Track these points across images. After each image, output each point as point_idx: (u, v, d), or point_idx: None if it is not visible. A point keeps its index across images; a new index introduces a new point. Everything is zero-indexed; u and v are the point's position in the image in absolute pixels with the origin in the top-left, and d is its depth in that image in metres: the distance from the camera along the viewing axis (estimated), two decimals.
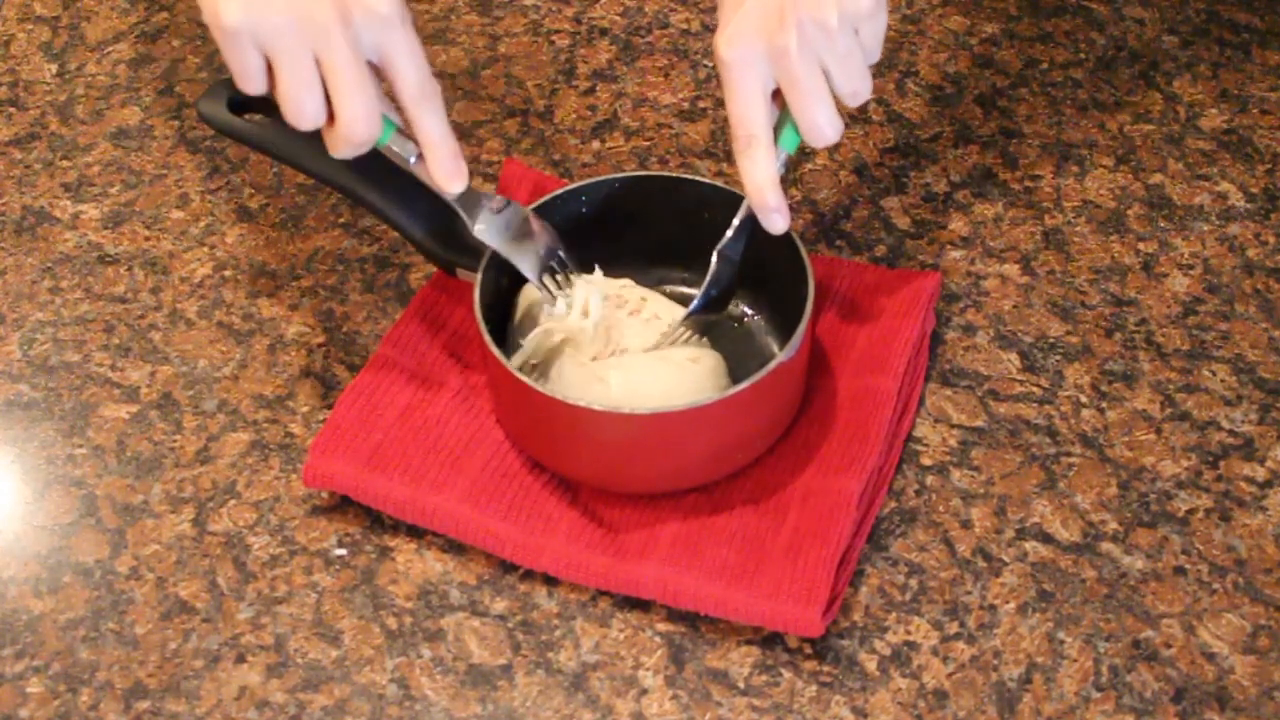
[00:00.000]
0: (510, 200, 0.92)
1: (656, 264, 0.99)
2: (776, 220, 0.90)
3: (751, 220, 0.91)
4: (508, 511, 0.90)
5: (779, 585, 0.86)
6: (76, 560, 0.91)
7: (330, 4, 0.83)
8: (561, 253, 0.93)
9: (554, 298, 0.93)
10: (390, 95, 0.87)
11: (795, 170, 1.09)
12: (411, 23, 0.86)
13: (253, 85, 0.84)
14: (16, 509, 0.94)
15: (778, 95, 0.88)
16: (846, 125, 1.12)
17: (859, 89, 0.87)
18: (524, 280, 0.94)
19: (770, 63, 0.86)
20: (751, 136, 0.88)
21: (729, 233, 0.92)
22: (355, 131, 0.85)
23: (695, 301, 0.93)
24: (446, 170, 0.88)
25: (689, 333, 0.93)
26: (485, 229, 0.91)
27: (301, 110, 0.84)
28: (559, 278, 0.93)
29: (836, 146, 1.11)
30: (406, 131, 0.88)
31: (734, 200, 0.92)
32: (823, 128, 0.87)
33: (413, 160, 0.89)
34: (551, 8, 1.22)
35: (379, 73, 0.86)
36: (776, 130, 0.89)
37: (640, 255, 0.98)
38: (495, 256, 0.92)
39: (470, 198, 0.91)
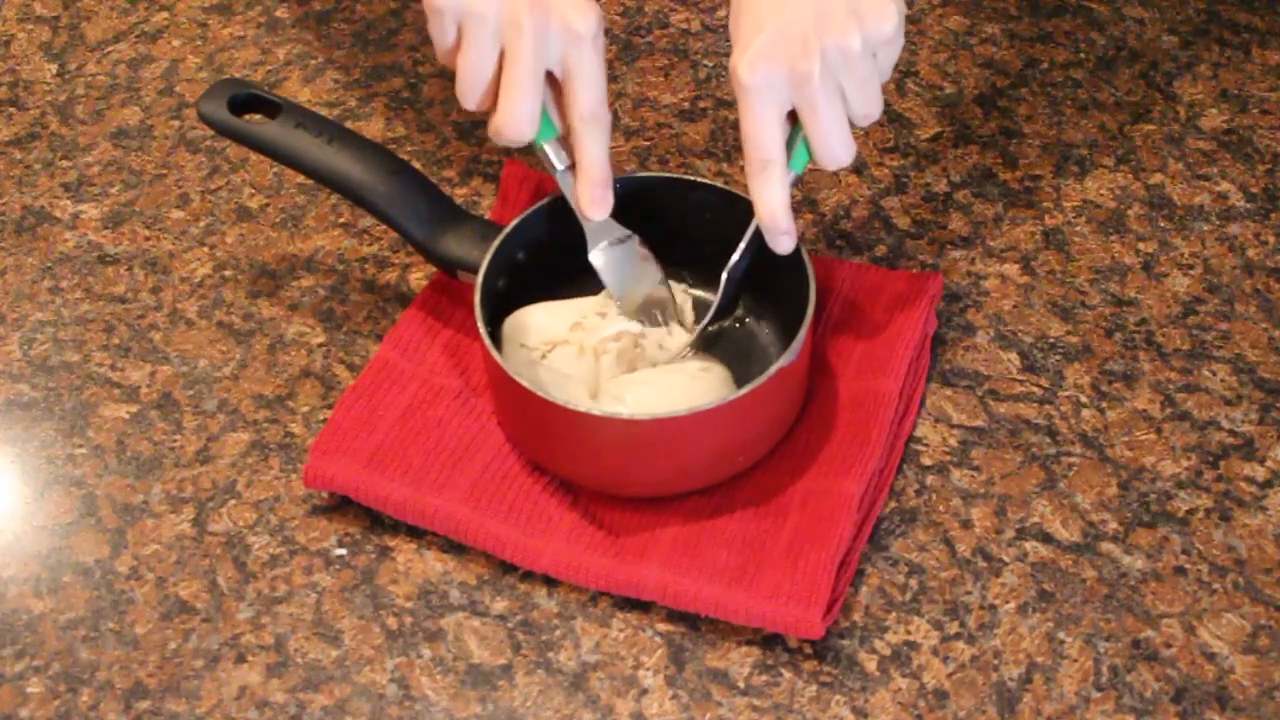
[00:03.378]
0: (633, 234, 0.94)
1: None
2: (785, 242, 0.90)
3: (758, 239, 0.91)
4: (508, 513, 0.90)
5: (779, 587, 0.86)
6: (76, 560, 0.91)
7: (536, 8, 0.87)
8: (671, 307, 0.95)
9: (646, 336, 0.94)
10: (563, 110, 0.91)
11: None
12: (603, 48, 0.90)
13: (445, 59, 0.91)
14: (16, 509, 0.94)
15: (790, 116, 0.88)
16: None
17: (872, 111, 0.88)
18: (522, 282, 0.94)
19: (790, 88, 0.86)
20: (767, 160, 0.88)
21: (737, 253, 0.92)
22: (506, 129, 0.89)
23: (705, 320, 0.93)
24: (592, 196, 0.92)
25: (693, 351, 0.94)
26: (601, 258, 0.93)
27: (468, 93, 0.90)
28: (663, 325, 0.95)
29: None
30: (565, 143, 0.91)
31: (734, 201, 0.92)
32: (837, 152, 0.87)
33: (560, 169, 0.92)
34: None
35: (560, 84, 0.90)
36: (787, 149, 0.89)
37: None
38: (495, 259, 0.92)
39: (603, 224, 0.93)
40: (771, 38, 0.85)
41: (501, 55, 0.89)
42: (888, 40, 0.86)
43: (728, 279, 0.93)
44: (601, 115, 0.90)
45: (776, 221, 0.89)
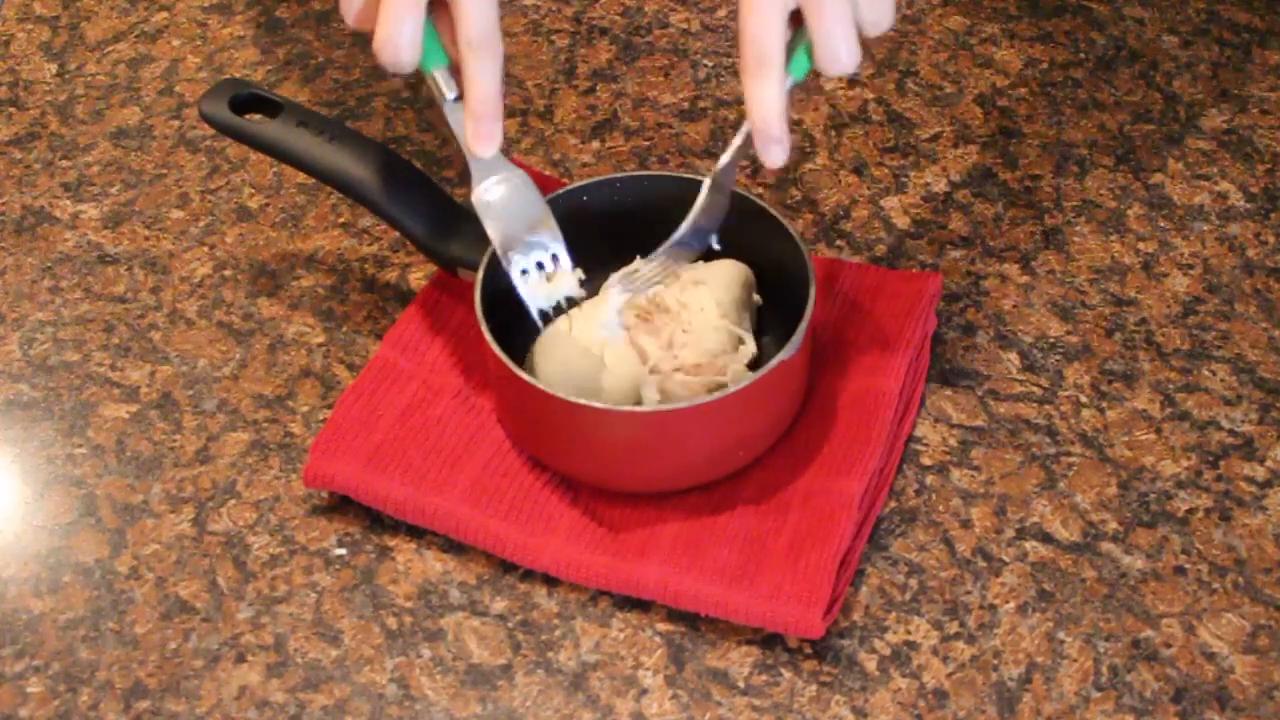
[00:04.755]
0: (521, 170, 0.90)
1: None
2: (776, 151, 0.85)
3: (748, 146, 0.86)
4: (508, 512, 0.90)
5: (779, 586, 0.86)
6: (76, 560, 0.91)
7: None
8: (557, 253, 0.91)
9: (527, 300, 0.90)
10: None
11: (792, 172, 1.09)
12: None
13: None
14: (16, 509, 0.94)
15: (793, 18, 0.83)
16: (846, 123, 1.12)
17: (882, 20, 0.83)
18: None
19: None
20: (764, 57, 0.83)
21: (724, 157, 0.88)
22: (383, 52, 0.85)
23: (680, 230, 0.89)
24: (478, 131, 0.87)
25: (658, 274, 0.90)
26: (484, 200, 0.89)
27: (346, 8, 0.86)
28: (544, 274, 0.90)
29: (836, 146, 1.11)
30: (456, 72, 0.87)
31: (734, 200, 0.92)
32: (841, 55, 0.82)
33: (450, 99, 0.87)
34: (551, 7, 1.22)
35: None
36: (788, 54, 0.84)
37: (640, 255, 0.98)
38: (496, 258, 0.92)
39: (488, 162, 0.88)
40: None
41: None
42: None
43: (711, 187, 0.89)
44: (490, 42, 0.85)
45: (769, 126, 0.84)
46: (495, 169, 0.89)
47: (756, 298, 0.94)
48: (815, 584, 0.85)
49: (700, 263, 0.93)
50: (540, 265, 0.91)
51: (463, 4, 0.85)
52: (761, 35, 0.82)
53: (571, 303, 0.92)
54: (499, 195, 0.89)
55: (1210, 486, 0.92)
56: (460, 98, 0.88)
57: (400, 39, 0.84)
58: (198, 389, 0.99)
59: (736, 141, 0.88)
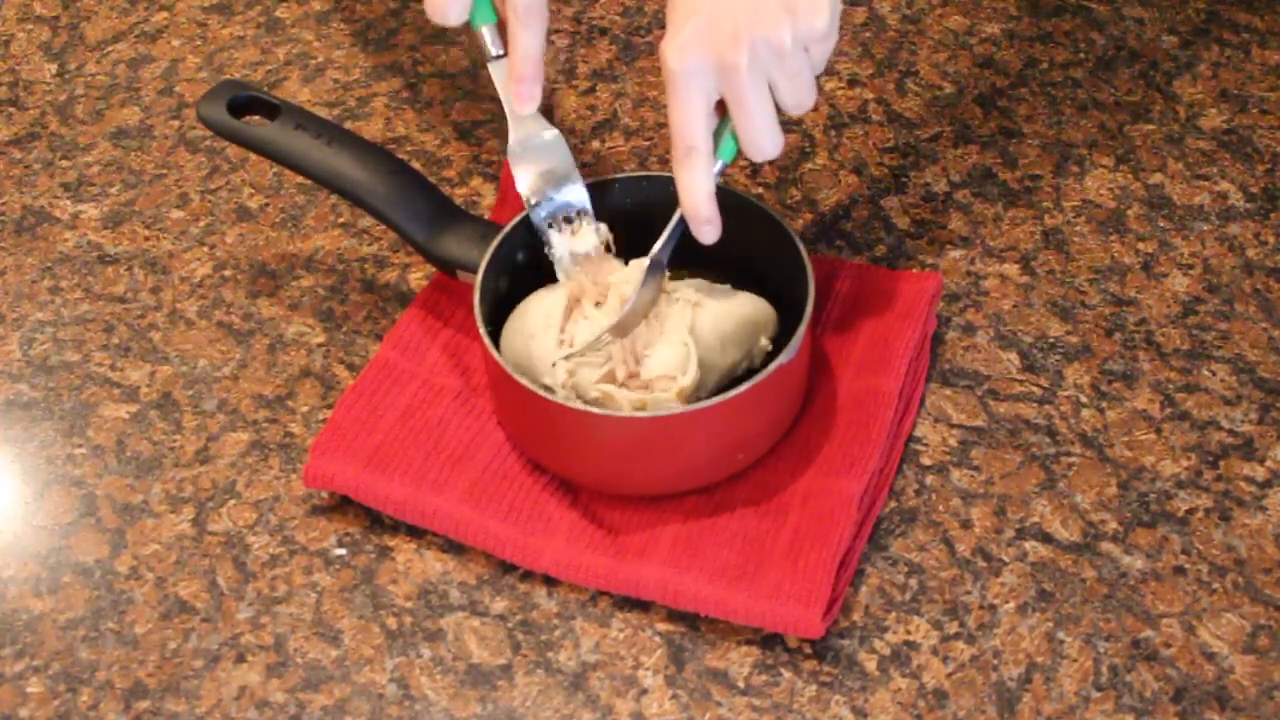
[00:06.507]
0: (560, 137, 0.95)
1: None
2: (708, 231, 0.89)
3: (683, 227, 0.90)
4: (508, 513, 0.90)
5: (779, 587, 0.86)
6: (76, 560, 0.91)
7: None
8: (584, 206, 0.94)
9: (552, 245, 0.94)
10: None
11: (792, 172, 1.09)
12: None
13: None
14: (16, 509, 0.94)
15: (719, 105, 0.87)
16: (846, 123, 1.12)
17: (804, 101, 0.87)
18: (522, 282, 0.94)
19: (717, 77, 0.85)
20: (692, 148, 0.87)
21: (660, 240, 0.90)
22: (434, 8, 0.91)
23: (625, 307, 0.90)
24: (522, 91, 0.94)
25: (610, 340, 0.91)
26: (519, 152, 0.94)
27: None
28: (571, 226, 0.94)
29: (836, 146, 1.11)
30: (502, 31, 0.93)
31: (733, 200, 0.92)
32: (764, 145, 0.87)
33: (493, 55, 0.94)
34: (551, 7, 1.22)
35: None
36: (716, 138, 0.88)
37: (639, 255, 0.98)
38: (495, 259, 0.92)
39: (527, 119, 0.94)
40: (702, 26, 0.85)
41: None
42: (820, 37, 0.85)
43: (651, 266, 0.90)
44: (536, 9, 0.91)
45: (699, 210, 0.89)
46: (533, 126, 0.95)
47: (766, 343, 0.93)
48: (815, 584, 0.85)
49: (727, 287, 0.93)
50: (568, 220, 0.94)
51: None
52: (686, 127, 0.87)
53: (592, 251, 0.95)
54: (532, 147, 0.95)
55: (1210, 486, 0.92)
56: (504, 55, 0.94)
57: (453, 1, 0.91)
58: (198, 389, 0.99)
59: (672, 223, 0.91)
